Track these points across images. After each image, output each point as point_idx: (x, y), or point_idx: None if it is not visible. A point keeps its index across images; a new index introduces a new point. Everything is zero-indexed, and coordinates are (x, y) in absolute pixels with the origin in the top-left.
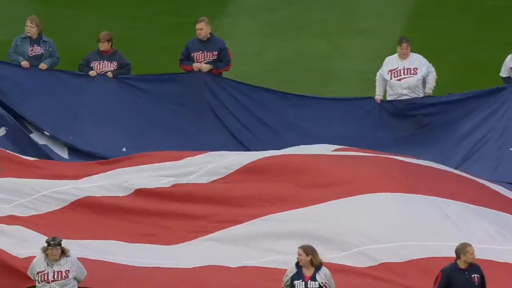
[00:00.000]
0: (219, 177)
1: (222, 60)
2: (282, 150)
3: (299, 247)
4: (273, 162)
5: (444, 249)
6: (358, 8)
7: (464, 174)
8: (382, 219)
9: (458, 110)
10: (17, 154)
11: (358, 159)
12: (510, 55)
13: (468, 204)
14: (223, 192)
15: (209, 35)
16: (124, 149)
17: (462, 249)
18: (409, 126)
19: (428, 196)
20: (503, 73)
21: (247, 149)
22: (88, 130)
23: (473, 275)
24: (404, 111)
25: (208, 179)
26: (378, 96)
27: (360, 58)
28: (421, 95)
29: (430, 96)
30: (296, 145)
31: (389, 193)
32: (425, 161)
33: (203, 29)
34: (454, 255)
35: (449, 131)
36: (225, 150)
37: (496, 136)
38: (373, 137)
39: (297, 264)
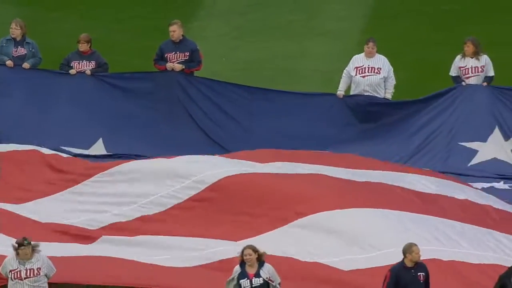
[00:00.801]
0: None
1: (193, 61)
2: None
3: (247, 248)
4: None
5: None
6: (321, 12)
7: (408, 187)
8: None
9: (412, 107)
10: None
11: (322, 179)
12: (459, 55)
13: (413, 213)
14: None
15: (181, 37)
16: (100, 139)
17: (408, 249)
18: (368, 121)
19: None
20: (453, 72)
21: (217, 144)
22: (65, 125)
23: (419, 273)
24: (364, 107)
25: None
26: (340, 92)
27: (323, 58)
28: (382, 93)
29: (386, 99)
30: (264, 139)
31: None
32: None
33: (175, 31)
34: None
35: (404, 126)
36: (195, 145)
37: (447, 131)
38: (334, 131)
39: (241, 264)
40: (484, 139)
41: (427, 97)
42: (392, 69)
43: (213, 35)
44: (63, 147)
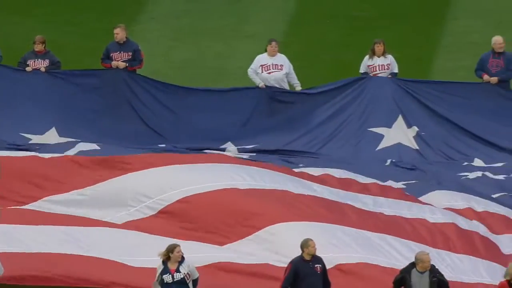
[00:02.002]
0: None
1: (135, 59)
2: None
3: (178, 246)
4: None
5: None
6: (248, 17)
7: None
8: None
9: (324, 97)
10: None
11: (268, 194)
12: (367, 56)
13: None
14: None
15: (125, 39)
16: (53, 128)
17: (305, 244)
18: (285, 111)
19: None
20: (362, 69)
21: (158, 134)
22: (23, 115)
23: (315, 265)
24: (282, 100)
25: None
26: (261, 84)
27: (249, 58)
28: (286, 87)
29: (302, 90)
30: (199, 129)
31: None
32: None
33: (119, 33)
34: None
35: (316, 114)
36: (136, 133)
37: (357, 118)
38: (257, 123)
39: (163, 262)
40: (389, 126)
41: (338, 86)
42: (292, 66)
43: (153, 36)
44: (21, 134)
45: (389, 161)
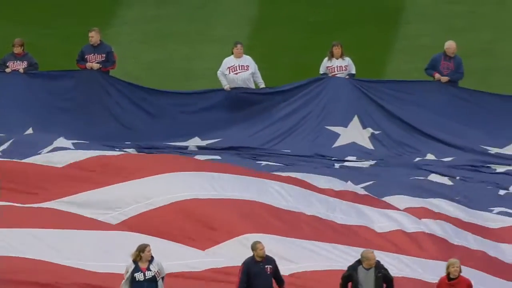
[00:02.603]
0: None
1: (109, 61)
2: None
3: (148, 246)
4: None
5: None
6: (213, 21)
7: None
8: None
9: (286, 95)
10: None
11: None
12: (326, 58)
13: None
14: None
15: (99, 41)
16: (30, 129)
17: (254, 247)
18: (250, 109)
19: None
20: (321, 70)
21: (129, 129)
22: (1, 115)
23: (266, 266)
24: (246, 99)
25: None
26: (227, 86)
27: (215, 60)
28: (252, 86)
29: (265, 87)
30: (169, 126)
31: None
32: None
33: (93, 36)
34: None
35: (278, 110)
36: (109, 129)
37: (316, 116)
38: (222, 119)
39: (134, 261)
40: (345, 125)
41: (299, 85)
42: (257, 66)
43: (125, 40)
44: (0, 134)
45: (347, 159)
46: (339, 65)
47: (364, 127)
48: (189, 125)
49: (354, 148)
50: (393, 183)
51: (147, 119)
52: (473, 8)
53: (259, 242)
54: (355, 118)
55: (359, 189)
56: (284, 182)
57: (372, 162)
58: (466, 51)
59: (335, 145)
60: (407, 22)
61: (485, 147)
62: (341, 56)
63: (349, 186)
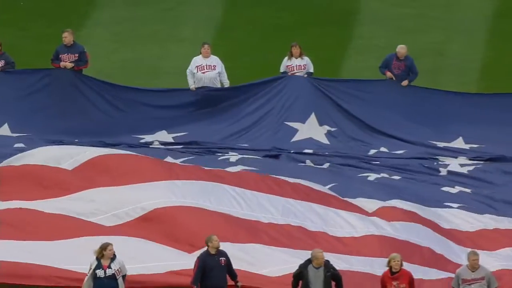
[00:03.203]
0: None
1: (81, 60)
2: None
3: (110, 245)
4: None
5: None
6: (180, 23)
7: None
8: None
9: (249, 92)
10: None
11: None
12: (286, 57)
13: None
14: None
15: (72, 42)
16: (6, 124)
17: (209, 239)
18: (216, 106)
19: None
20: (282, 69)
21: (99, 124)
22: None
23: (220, 258)
24: (212, 96)
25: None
26: (192, 86)
27: (182, 59)
28: (218, 85)
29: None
30: (138, 122)
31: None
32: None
33: (67, 37)
34: None
35: (241, 107)
36: (83, 130)
37: (276, 112)
38: (189, 115)
39: (97, 258)
40: (303, 121)
41: (261, 83)
42: (223, 65)
43: (97, 40)
44: None
45: (307, 161)
46: (298, 64)
47: (321, 124)
48: (157, 120)
49: (311, 143)
50: (351, 184)
51: (117, 114)
52: (422, 11)
53: (214, 235)
54: (313, 115)
55: (321, 187)
56: (240, 186)
57: (329, 158)
58: (416, 51)
59: (293, 140)
60: (361, 24)
61: (434, 142)
62: (300, 55)
63: (306, 185)
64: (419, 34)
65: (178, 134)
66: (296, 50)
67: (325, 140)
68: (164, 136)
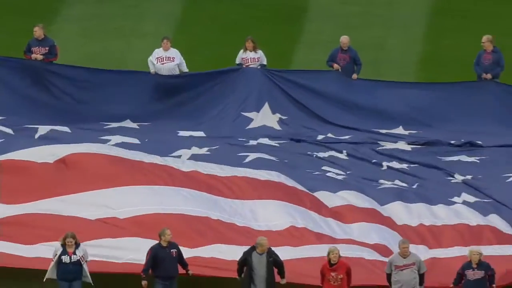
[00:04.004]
0: None
1: (51, 53)
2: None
3: (70, 236)
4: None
5: None
6: (144, 19)
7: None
8: None
9: (206, 83)
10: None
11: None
12: (241, 50)
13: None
14: None
15: (43, 36)
16: None
17: (162, 233)
18: (174, 94)
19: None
20: (237, 61)
21: (67, 110)
22: None
23: (171, 250)
24: (171, 81)
25: None
26: (153, 70)
27: (145, 52)
28: None
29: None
30: (104, 108)
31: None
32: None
33: (37, 31)
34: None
35: (200, 97)
36: (52, 111)
37: (234, 103)
38: (151, 103)
39: (62, 245)
40: (258, 110)
41: (217, 72)
42: (182, 57)
43: (67, 34)
44: None
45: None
46: (252, 57)
47: (274, 112)
48: (122, 107)
49: (264, 130)
50: (298, 177)
51: (86, 100)
52: (366, 8)
53: (167, 229)
54: (266, 105)
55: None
56: (191, 188)
57: (282, 142)
58: (360, 45)
59: (248, 127)
60: (310, 20)
61: (376, 129)
62: (254, 49)
63: (254, 173)
64: (363, 30)
65: (143, 123)
66: (249, 44)
67: (277, 127)
68: (129, 123)
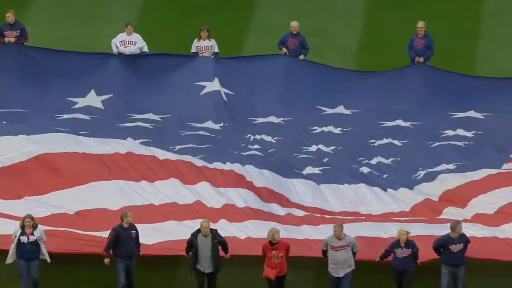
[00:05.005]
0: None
1: (23, 36)
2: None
3: (27, 217)
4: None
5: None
6: (111, 6)
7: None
8: None
9: (165, 64)
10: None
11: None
12: (196, 39)
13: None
14: None
15: (14, 21)
16: None
17: (124, 215)
18: (135, 71)
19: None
20: (193, 49)
21: (43, 94)
22: None
23: (131, 231)
24: (140, 64)
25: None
26: (116, 51)
27: (112, 37)
28: None
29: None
30: (68, 86)
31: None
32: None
33: (9, 17)
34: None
35: (161, 75)
36: (25, 90)
37: (219, 97)
38: (114, 79)
39: (21, 227)
40: (211, 80)
41: (175, 55)
42: (145, 42)
43: (39, 20)
44: None
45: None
46: (206, 45)
47: (223, 86)
48: (86, 78)
49: (215, 95)
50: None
51: (51, 76)
52: None
53: (129, 212)
54: (216, 79)
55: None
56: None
57: (219, 125)
58: (305, 31)
59: (202, 93)
60: (260, 8)
61: (320, 107)
62: (208, 38)
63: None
64: (308, 16)
65: (106, 96)
66: (204, 34)
67: (225, 98)
68: (93, 95)
